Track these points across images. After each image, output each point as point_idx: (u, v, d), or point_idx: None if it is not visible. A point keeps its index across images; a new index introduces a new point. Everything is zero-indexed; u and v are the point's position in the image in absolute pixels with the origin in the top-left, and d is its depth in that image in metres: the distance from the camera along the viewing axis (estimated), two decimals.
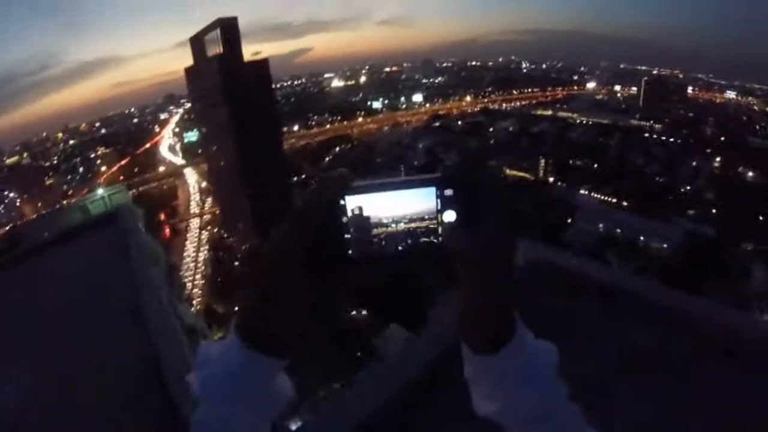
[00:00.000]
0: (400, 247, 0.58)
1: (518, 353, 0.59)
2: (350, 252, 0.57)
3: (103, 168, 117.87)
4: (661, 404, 2.56)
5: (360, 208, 0.55)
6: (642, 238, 55.22)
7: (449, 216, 0.57)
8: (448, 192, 0.58)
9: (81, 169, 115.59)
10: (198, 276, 68.96)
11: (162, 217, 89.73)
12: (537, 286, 3.31)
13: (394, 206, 0.56)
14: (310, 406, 40.09)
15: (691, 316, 2.93)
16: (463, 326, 0.60)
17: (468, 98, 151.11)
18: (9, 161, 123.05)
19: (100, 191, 20.89)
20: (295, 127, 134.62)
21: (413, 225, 0.57)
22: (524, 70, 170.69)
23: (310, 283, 0.55)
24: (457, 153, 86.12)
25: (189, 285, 59.33)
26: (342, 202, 0.57)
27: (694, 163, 72.89)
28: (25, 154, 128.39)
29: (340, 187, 0.55)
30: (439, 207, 0.59)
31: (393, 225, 0.56)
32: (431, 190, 0.58)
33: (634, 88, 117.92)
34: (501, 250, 0.55)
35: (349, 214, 0.56)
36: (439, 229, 0.58)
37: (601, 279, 3.25)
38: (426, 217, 0.57)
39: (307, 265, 0.54)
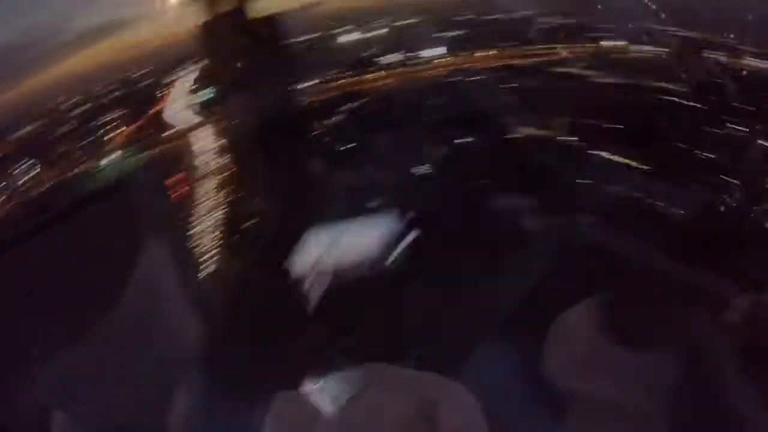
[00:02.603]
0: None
1: None
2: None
3: (116, 132, 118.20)
4: None
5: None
6: (659, 203, 54.13)
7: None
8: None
9: (93, 135, 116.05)
10: (214, 235, 69.85)
11: (176, 178, 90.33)
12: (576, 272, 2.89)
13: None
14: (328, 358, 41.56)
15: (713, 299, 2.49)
16: None
17: (485, 53, 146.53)
18: (18, 134, 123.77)
19: (112, 156, 20.80)
20: (306, 84, 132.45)
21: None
22: (544, 26, 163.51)
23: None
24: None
25: (204, 245, 60.16)
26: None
27: (719, 131, 70.17)
28: (30, 126, 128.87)
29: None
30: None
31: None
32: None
33: (661, 49, 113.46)
34: None
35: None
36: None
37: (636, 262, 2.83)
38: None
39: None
